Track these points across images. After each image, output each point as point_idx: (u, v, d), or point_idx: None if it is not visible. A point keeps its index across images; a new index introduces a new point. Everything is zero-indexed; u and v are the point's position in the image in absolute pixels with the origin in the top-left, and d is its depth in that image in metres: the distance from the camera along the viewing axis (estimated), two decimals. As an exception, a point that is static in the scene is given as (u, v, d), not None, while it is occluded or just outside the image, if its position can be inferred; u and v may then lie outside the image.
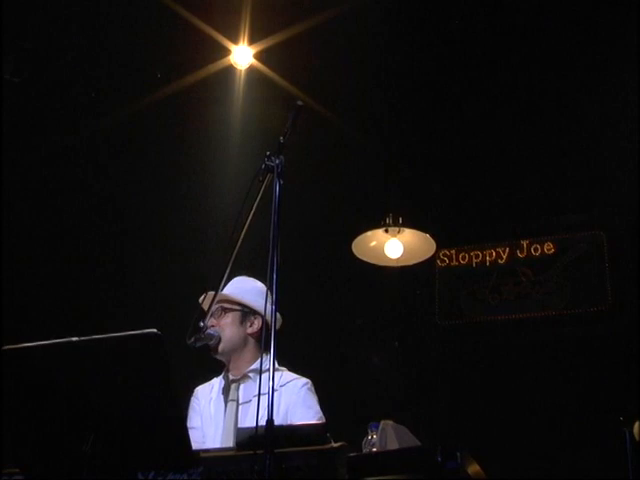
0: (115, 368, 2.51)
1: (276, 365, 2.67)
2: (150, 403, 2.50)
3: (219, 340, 3.64)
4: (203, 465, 2.51)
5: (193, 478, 2.50)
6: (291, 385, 3.61)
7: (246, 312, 3.74)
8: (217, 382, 3.81)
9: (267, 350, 2.84)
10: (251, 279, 3.82)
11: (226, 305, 3.72)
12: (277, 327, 3.52)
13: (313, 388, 3.68)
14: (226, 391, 3.70)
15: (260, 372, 2.68)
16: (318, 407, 3.62)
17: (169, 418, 2.52)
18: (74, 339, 2.49)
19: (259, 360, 3.65)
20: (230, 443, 3.35)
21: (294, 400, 3.56)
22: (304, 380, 3.67)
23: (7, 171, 6.30)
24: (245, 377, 3.69)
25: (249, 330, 3.74)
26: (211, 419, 3.66)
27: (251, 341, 3.74)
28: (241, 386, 3.69)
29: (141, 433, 2.53)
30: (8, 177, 6.34)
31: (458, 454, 2.52)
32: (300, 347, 5.42)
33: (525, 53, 6.44)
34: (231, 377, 3.72)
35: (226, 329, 3.69)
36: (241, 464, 2.47)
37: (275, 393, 2.54)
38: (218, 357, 3.71)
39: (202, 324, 3.34)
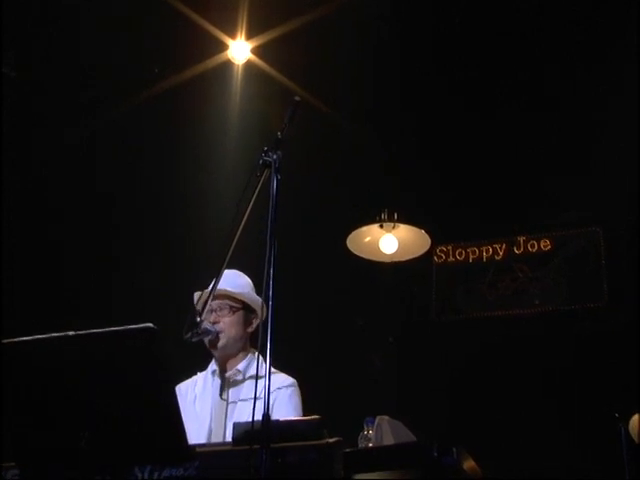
0: (111, 362, 2.51)
1: (262, 363, 2.67)
2: (146, 397, 2.50)
3: (217, 336, 3.64)
4: (199, 460, 2.52)
5: (189, 473, 2.50)
6: (278, 385, 3.61)
7: (248, 312, 3.75)
8: (201, 378, 3.80)
9: (257, 348, 2.86)
10: (242, 274, 3.82)
11: (232, 304, 3.71)
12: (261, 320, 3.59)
13: (298, 390, 3.70)
14: (215, 389, 3.70)
15: (257, 373, 2.67)
16: (300, 409, 3.65)
17: (165, 413, 2.52)
18: (70, 333, 2.49)
19: (248, 357, 3.71)
20: (219, 440, 3.36)
21: (280, 398, 3.57)
22: (291, 380, 3.69)
23: (6, 170, 6.29)
24: (236, 375, 3.69)
25: (249, 330, 3.75)
26: (196, 417, 3.64)
27: (247, 340, 3.76)
28: (232, 384, 3.69)
29: (137, 428, 2.53)
30: (8, 177, 6.34)
31: (454, 450, 2.52)
32: (295, 342, 5.43)
33: (525, 51, 6.46)
34: (222, 374, 3.72)
35: (232, 328, 3.69)
36: (237, 459, 2.48)
37: (259, 391, 2.55)
38: (214, 352, 3.71)
39: (199, 319, 3.34)
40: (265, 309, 3.51)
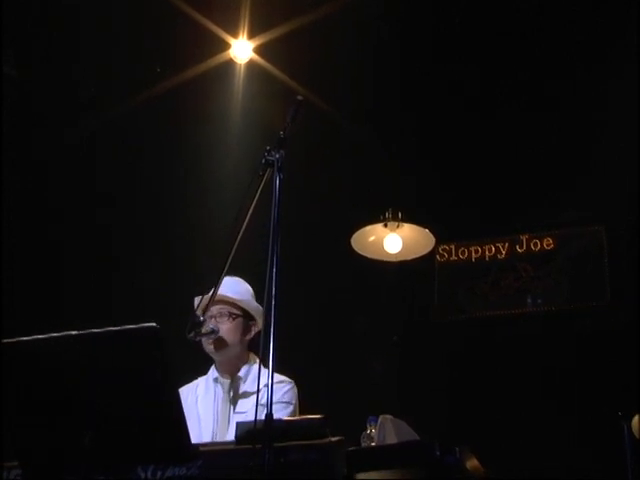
0: (113, 362, 2.51)
1: (262, 368, 2.65)
2: (149, 397, 2.50)
3: (218, 336, 3.63)
4: (202, 459, 2.51)
5: (192, 472, 2.50)
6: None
7: (247, 319, 3.75)
8: (203, 382, 3.80)
9: (258, 353, 2.91)
10: (242, 281, 3.81)
11: (232, 310, 3.71)
12: (259, 328, 3.62)
13: (295, 389, 3.70)
14: (218, 396, 3.70)
15: (258, 384, 2.66)
16: (292, 407, 3.63)
17: (168, 412, 2.51)
18: (72, 333, 2.49)
19: (248, 364, 3.71)
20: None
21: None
22: (287, 380, 3.68)
23: (6, 170, 6.29)
24: (237, 382, 3.69)
25: (248, 337, 3.76)
26: (198, 419, 3.65)
27: (246, 347, 3.76)
28: (232, 388, 3.69)
29: (140, 427, 2.53)
30: (8, 177, 6.33)
31: (457, 449, 2.52)
32: (297, 340, 5.43)
33: (525, 51, 6.46)
34: (223, 379, 3.72)
35: (230, 334, 3.69)
36: (240, 458, 2.47)
37: (260, 393, 2.55)
38: (213, 355, 3.70)
39: (202, 318, 3.33)
40: (264, 317, 3.56)
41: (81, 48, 6.47)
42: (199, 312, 3.42)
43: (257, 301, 3.75)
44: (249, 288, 3.81)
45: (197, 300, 3.66)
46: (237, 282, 3.78)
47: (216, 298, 3.28)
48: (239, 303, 3.71)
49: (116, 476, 2.54)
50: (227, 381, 3.71)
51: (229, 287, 3.65)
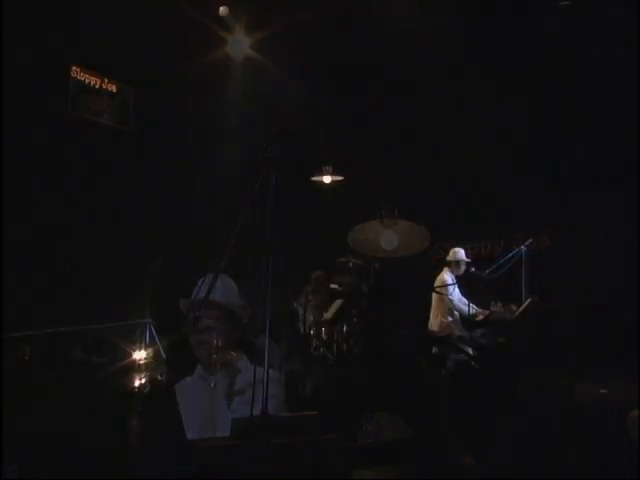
0: (110, 356, 2.52)
1: (250, 364, 2.64)
2: (145, 393, 2.51)
3: (213, 335, 3.63)
4: (198, 456, 2.51)
5: (188, 468, 2.50)
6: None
7: (232, 317, 3.74)
8: (190, 381, 3.80)
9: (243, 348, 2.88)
10: (225, 277, 3.79)
11: (218, 312, 3.71)
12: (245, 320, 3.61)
13: (282, 378, 3.70)
14: (211, 391, 3.70)
15: (254, 379, 2.67)
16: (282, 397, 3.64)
17: (164, 409, 2.52)
18: (70, 328, 2.50)
19: (237, 358, 3.71)
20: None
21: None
22: (275, 377, 3.68)
23: (6, 168, 6.29)
24: (226, 377, 3.69)
25: (235, 335, 3.75)
26: (193, 418, 3.64)
27: (234, 343, 3.76)
28: (222, 386, 3.69)
29: (136, 423, 2.53)
30: (8, 171, 6.33)
31: (453, 445, 2.52)
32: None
33: (524, 60, 6.51)
34: (211, 377, 3.72)
35: (220, 335, 3.68)
36: (236, 455, 2.47)
37: (252, 390, 2.55)
38: (206, 358, 3.69)
39: (198, 314, 3.33)
40: (248, 312, 3.54)
41: (80, 44, 6.48)
42: (185, 313, 3.42)
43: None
44: (232, 284, 3.78)
45: (182, 303, 3.66)
46: (220, 281, 3.76)
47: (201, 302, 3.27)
48: (223, 303, 3.70)
49: (113, 473, 2.55)
50: (213, 377, 3.70)
51: (214, 288, 3.64)
